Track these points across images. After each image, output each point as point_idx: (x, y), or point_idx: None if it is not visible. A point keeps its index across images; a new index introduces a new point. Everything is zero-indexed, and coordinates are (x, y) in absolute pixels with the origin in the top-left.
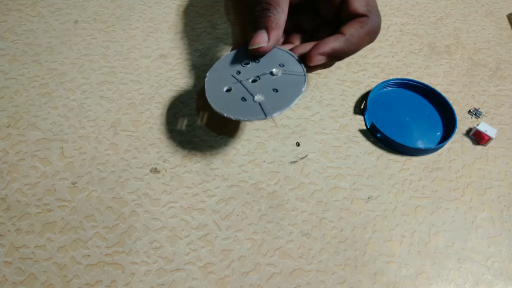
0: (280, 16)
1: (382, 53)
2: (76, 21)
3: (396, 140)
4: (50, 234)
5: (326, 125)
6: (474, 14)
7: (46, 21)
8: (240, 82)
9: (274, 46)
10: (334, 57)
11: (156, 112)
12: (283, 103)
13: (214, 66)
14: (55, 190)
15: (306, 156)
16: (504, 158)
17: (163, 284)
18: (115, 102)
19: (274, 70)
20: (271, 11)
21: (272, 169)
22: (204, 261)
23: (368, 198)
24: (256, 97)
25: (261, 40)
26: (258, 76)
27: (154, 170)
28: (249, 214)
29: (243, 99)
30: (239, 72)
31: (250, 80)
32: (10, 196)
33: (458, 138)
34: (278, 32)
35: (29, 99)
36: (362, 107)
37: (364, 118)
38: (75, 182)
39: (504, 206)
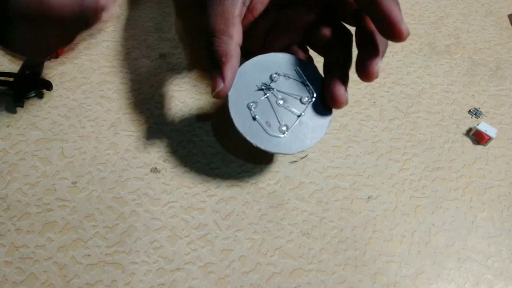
0: (228, 45)
1: None
2: None
3: None
4: (50, 233)
5: None
6: (474, 14)
7: None
8: (269, 102)
9: (232, 82)
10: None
11: (156, 112)
12: (306, 141)
13: (242, 67)
14: (55, 190)
15: (306, 155)
16: (504, 158)
17: (163, 284)
18: (115, 101)
19: (304, 98)
20: (217, 45)
21: (272, 169)
22: (204, 260)
23: (368, 198)
24: (282, 127)
25: (216, 85)
26: (285, 98)
27: (154, 170)
28: (249, 213)
29: (268, 124)
30: (267, 86)
31: (277, 100)
32: (10, 195)
33: (458, 138)
34: (231, 64)
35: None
36: None
37: None
38: (75, 182)
39: (504, 206)
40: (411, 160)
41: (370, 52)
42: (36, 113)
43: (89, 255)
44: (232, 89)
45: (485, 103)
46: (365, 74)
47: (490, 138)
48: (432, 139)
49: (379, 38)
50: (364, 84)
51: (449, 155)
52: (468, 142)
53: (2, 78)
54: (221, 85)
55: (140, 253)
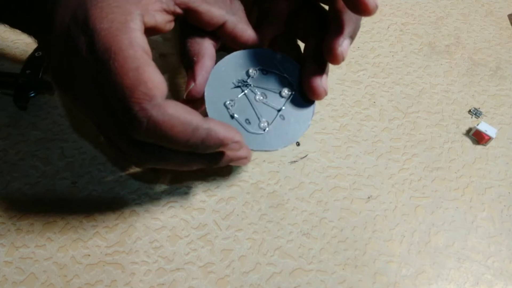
0: (200, 45)
1: (382, 53)
2: None
3: None
4: (50, 233)
5: (326, 125)
6: (474, 14)
7: None
8: (248, 99)
9: (204, 82)
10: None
11: None
12: (288, 136)
13: (217, 64)
14: (55, 190)
15: (306, 155)
16: (504, 158)
17: (163, 284)
18: None
19: (284, 91)
20: (189, 45)
21: (272, 169)
22: (204, 260)
23: (368, 197)
24: (262, 123)
25: (188, 85)
26: (264, 93)
27: (154, 170)
28: (249, 213)
29: (247, 121)
30: (244, 82)
31: (256, 96)
32: (11, 195)
33: (458, 138)
34: (203, 63)
35: None
36: None
37: None
38: (75, 182)
39: (504, 206)
40: (411, 160)
41: (335, 30)
42: (36, 113)
43: (89, 255)
44: (208, 88)
45: (485, 103)
46: (330, 54)
47: (490, 138)
48: (432, 139)
49: (347, 17)
50: (364, 84)
51: (449, 155)
52: (468, 142)
53: (3, 79)
54: (192, 85)
55: (140, 253)
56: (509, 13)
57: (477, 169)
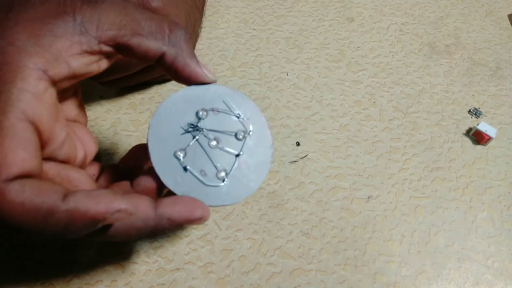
0: None
1: (382, 53)
2: None
3: None
4: None
5: (326, 125)
6: (474, 14)
7: None
8: (200, 145)
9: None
10: None
11: None
12: (250, 184)
13: (160, 108)
14: None
15: (306, 155)
16: (504, 158)
17: (163, 284)
18: (115, 101)
19: (240, 133)
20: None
21: (272, 169)
22: (204, 260)
23: (368, 197)
24: (220, 173)
25: None
26: (218, 137)
27: None
28: (249, 213)
29: (203, 172)
30: (194, 126)
31: (210, 142)
32: None
33: (458, 138)
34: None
35: None
36: None
37: None
38: None
39: (504, 205)
40: (411, 160)
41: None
42: None
43: (89, 255)
44: (151, 138)
45: (485, 103)
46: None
47: (490, 138)
48: (432, 139)
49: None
50: (364, 84)
51: (449, 155)
52: (468, 142)
53: None
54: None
55: (140, 253)
56: (509, 13)
57: (477, 169)
